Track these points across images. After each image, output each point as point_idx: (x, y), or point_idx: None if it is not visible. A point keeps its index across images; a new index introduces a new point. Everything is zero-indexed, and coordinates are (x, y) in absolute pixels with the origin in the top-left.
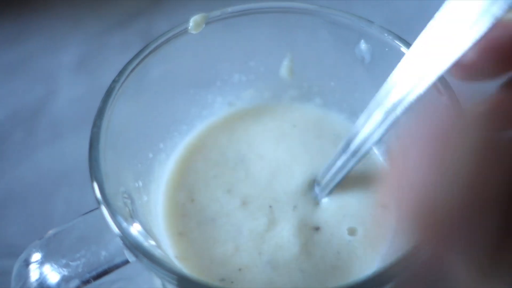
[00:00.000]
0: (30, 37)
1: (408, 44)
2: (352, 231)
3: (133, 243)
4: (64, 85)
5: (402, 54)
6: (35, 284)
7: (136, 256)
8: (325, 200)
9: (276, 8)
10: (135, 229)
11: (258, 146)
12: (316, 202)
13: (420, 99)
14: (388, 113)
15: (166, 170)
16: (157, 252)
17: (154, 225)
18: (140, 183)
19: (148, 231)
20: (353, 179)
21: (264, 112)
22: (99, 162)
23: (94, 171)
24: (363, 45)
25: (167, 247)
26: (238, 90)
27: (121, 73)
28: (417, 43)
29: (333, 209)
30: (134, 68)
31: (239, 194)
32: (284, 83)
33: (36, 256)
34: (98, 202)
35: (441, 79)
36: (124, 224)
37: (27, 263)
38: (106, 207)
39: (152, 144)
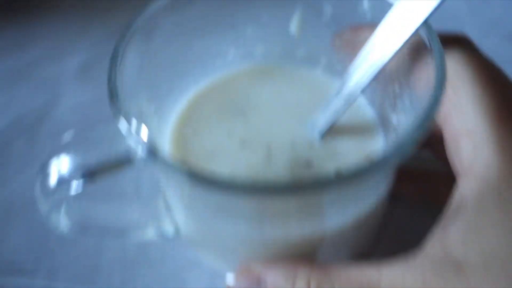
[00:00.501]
0: (35, 43)
1: None
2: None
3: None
4: (67, 92)
5: None
6: (52, 176)
7: (150, 152)
8: (319, 143)
9: None
10: (144, 134)
11: (258, 100)
12: (312, 144)
13: (403, 47)
14: (375, 61)
15: (176, 105)
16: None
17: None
18: (153, 108)
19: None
20: (345, 128)
21: (271, 71)
22: (116, 77)
23: (111, 84)
24: (365, 4)
25: None
26: (250, 44)
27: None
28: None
29: (325, 151)
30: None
31: (239, 136)
32: (293, 41)
33: (55, 153)
34: (113, 110)
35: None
36: (134, 127)
37: (47, 160)
38: (118, 112)
39: (167, 78)
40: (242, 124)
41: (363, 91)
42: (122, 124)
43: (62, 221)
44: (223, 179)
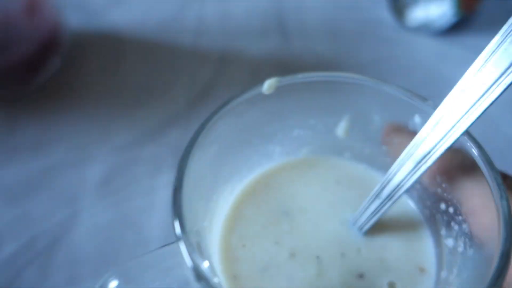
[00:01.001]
0: (55, 145)
1: None
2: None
3: (204, 277)
4: (86, 210)
5: None
6: None
7: None
8: (365, 243)
9: (338, 78)
10: (205, 265)
11: (302, 198)
12: (358, 246)
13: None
14: (418, 162)
15: (222, 213)
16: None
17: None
18: (207, 223)
19: (212, 268)
20: (389, 224)
21: (313, 166)
22: (182, 203)
23: (177, 210)
24: (417, 119)
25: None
26: (296, 144)
27: (201, 126)
28: (443, 104)
29: (373, 254)
30: (210, 123)
31: (287, 246)
32: (338, 142)
33: (113, 284)
34: (178, 238)
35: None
36: (198, 259)
37: None
38: (185, 243)
39: (218, 187)
40: (288, 230)
41: (407, 191)
42: (187, 260)
43: None
44: None
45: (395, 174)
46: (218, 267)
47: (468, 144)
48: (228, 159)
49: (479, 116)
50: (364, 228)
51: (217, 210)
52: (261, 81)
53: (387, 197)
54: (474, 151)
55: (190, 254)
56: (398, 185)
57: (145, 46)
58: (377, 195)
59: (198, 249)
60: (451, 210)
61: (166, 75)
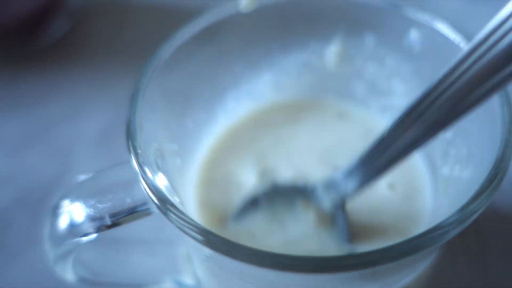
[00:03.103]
0: (52, 101)
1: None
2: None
3: (156, 192)
4: (81, 163)
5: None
6: (63, 221)
7: (160, 205)
8: None
9: None
10: (161, 182)
11: (288, 136)
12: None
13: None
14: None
15: (205, 144)
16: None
17: (182, 189)
18: (176, 146)
19: (175, 190)
20: None
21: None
22: (136, 113)
23: (129, 122)
24: (413, 34)
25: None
26: (284, 75)
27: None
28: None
29: None
30: (180, 38)
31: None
32: (329, 73)
33: (67, 202)
34: (128, 150)
35: None
36: (149, 174)
37: (58, 203)
38: (134, 155)
39: (193, 113)
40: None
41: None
42: (137, 170)
43: (70, 271)
44: (241, 248)
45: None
46: (192, 194)
47: None
48: (206, 84)
49: None
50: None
51: (195, 138)
52: None
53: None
54: None
55: (140, 166)
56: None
57: (152, 10)
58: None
59: (157, 167)
60: (449, 134)
61: None
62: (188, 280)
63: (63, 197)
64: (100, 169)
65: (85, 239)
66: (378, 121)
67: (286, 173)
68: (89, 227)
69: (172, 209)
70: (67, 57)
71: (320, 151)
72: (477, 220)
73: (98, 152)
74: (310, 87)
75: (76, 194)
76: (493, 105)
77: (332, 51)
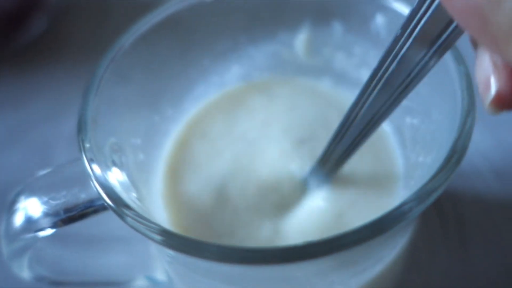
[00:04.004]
0: (32, 102)
1: None
2: None
3: (105, 188)
4: (60, 162)
5: None
6: (18, 216)
7: (111, 204)
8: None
9: None
10: (114, 177)
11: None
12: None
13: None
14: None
15: (172, 137)
16: (135, 204)
17: (146, 184)
18: (139, 141)
19: (134, 186)
20: None
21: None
22: (88, 107)
23: (80, 115)
24: (379, 20)
25: (158, 209)
26: (253, 65)
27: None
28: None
29: None
30: (144, 28)
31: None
32: (298, 58)
33: (24, 191)
34: (78, 144)
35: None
36: (98, 169)
37: (14, 199)
38: (83, 150)
39: (159, 107)
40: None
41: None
42: (86, 166)
43: (26, 269)
44: (193, 244)
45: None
46: (159, 186)
47: None
48: (170, 79)
49: None
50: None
51: (161, 131)
52: None
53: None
54: None
55: (89, 162)
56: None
57: (131, 6)
58: (337, 139)
59: (113, 162)
60: (416, 121)
61: None
62: (160, 276)
63: (19, 193)
64: (59, 164)
65: (42, 234)
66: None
67: (257, 160)
68: (44, 222)
69: (124, 209)
70: (46, 55)
71: (293, 135)
72: (457, 208)
73: (76, 150)
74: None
75: (32, 189)
76: (455, 90)
77: (300, 40)
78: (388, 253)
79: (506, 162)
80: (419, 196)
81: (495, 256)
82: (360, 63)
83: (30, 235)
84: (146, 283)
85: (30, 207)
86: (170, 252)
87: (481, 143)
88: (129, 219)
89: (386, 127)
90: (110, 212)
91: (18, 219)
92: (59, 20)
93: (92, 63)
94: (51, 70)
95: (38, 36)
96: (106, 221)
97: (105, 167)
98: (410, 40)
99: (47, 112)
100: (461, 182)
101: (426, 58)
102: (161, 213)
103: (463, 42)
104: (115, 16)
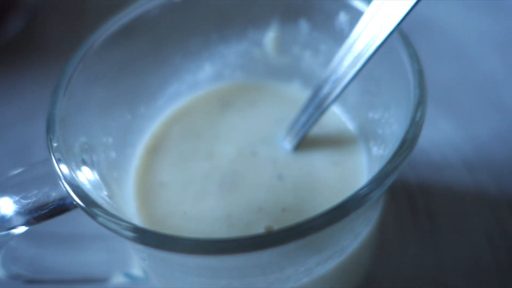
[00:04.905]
0: (7, 100)
1: None
2: None
3: (73, 187)
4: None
5: None
6: None
7: (81, 204)
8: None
9: None
10: (83, 176)
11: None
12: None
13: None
14: (349, 67)
15: (145, 135)
16: (105, 202)
17: (117, 182)
18: (110, 140)
19: (105, 184)
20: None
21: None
22: (56, 106)
23: (49, 115)
24: (342, 17)
25: (129, 205)
26: (224, 63)
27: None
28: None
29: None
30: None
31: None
32: (268, 58)
33: None
34: (46, 143)
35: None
36: (66, 169)
37: None
38: (51, 149)
39: (131, 106)
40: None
41: (336, 98)
42: (54, 166)
43: (0, 267)
44: (172, 239)
45: (325, 81)
46: (131, 185)
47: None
48: (143, 76)
49: (410, 11)
50: (293, 143)
51: (133, 129)
52: None
53: (316, 107)
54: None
55: (57, 162)
56: (328, 94)
57: (106, 6)
58: (307, 107)
59: (82, 161)
60: (377, 115)
61: None
62: (138, 273)
63: None
64: (31, 164)
65: (15, 231)
66: None
67: (228, 151)
68: (16, 220)
69: (93, 208)
70: (22, 55)
71: (258, 127)
72: (429, 199)
73: None
74: (250, 75)
75: (3, 189)
76: (410, 85)
77: (269, 38)
78: (352, 241)
79: (476, 155)
80: (374, 181)
81: (464, 245)
82: (326, 61)
83: (3, 233)
84: (124, 280)
85: (2, 206)
86: (144, 248)
87: (453, 137)
88: (99, 218)
89: (350, 124)
90: None
91: None
92: (34, 20)
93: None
94: (27, 70)
95: (13, 37)
96: (83, 219)
97: (74, 166)
98: None
99: (23, 112)
100: (433, 173)
101: None
102: (131, 209)
103: (417, 39)
104: (90, 16)
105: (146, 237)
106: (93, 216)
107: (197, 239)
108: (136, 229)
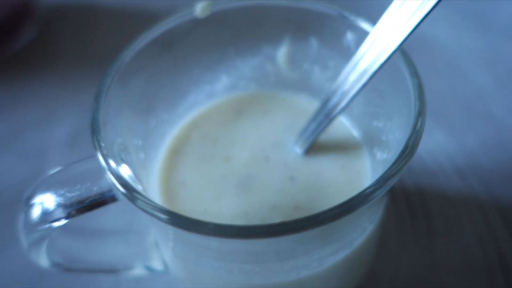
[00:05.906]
0: (24, 106)
1: None
2: None
3: (120, 179)
4: (51, 165)
5: None
6: (36, 209)
7: (123, 190)
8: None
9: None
10: (125, 172)
11: (242, 133)
12: (297, 167)
13: (381, 68)
14: (355, 81)
15: (167, 140)
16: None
17: (146, 180)
18: (140, 142)
19: (139, 180)
20: (329, 147)
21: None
22: (100, 111)
23: (93, 119)
24: (349, 36)
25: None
26: (239, 75)
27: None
28: (380, 23)
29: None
30: (144, 44)
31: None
32: (280, 71)
33: (40, 187)
34: (93, 144)
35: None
36: (113, 164)
37: (30, 195)
38: (98, 148)
39: (156, 112)
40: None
41: (344, 109)
42: (101, 161)
43: (44, 257)
44: (200, 223)
45: (334, 93)
46: (156, 183)
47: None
48: (167, 85)
49: (411, 32)
50: (304, 147)
51: (158, 136)
52: None
53: (325, 116)
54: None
55: (104, 158)
56: (336, 104)
57: (118, 15)
58: (316, 116)
59: (121, 159)
60: (381, 124)
61: None
62: (157, 265)
63: (35, 188)
64: (68, 163)
65: (56, 224)
66: None
67: (243, 155)
68: (59, 213)
69: (136, 194)
70: (35, 62)
71: (270, 134)
72: (425, 203)
73: (69, 154)
74: (263, 87)
75: (47, 185)
76: (410, 98)
77: (282, 54)
78: (359, 235)
79: (468, 162)
80: (379, 182)
81: (458, 246)
82: (333, 76)
83: (47, 225)
84: (144, 272)
85: (46, 201)
86: (172, 232)
87: (446, 146)
88: (140, 202)
89: (355, 132)
90: (112, 208)
91: (35, 212)
92: (47, 28)
93: (79, 69)
94: (39, 77)
95: (28, 45)
96: (107, 216)
97: (116, 162)
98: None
99: (38, 118)
100: (429, 179)
101: None
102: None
103: (414, 56)
104: (102, 24)
105: (176, 219)
106: (135, 201)
107: (219, 224)
108: (169, 212)
